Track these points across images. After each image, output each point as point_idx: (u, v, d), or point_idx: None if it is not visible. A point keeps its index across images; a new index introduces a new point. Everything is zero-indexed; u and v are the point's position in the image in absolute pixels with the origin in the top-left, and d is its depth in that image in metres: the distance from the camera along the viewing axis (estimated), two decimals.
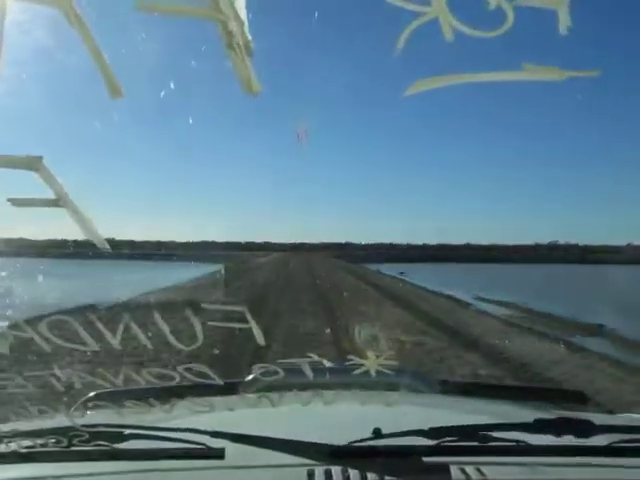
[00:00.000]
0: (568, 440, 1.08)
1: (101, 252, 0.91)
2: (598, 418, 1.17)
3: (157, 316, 1.02)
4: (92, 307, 9.82)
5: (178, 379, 1.08)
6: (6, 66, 0.73)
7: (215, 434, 1.07)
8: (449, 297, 18.96)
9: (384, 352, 1.09)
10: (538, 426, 1.10)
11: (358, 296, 16.39)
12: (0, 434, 1.09)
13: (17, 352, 1.14)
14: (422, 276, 29.79)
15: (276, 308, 12.81)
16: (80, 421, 1.09)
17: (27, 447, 1.06)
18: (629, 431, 1.13)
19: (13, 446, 1.06)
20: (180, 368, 1.08)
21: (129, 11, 0.67)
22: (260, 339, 1.02)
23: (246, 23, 0.68)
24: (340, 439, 1.06)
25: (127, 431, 1.08)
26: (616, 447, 1.08)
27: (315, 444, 1.06)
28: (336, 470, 1.01)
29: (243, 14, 0.69)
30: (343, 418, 1.34)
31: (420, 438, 1.06)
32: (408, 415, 1.33)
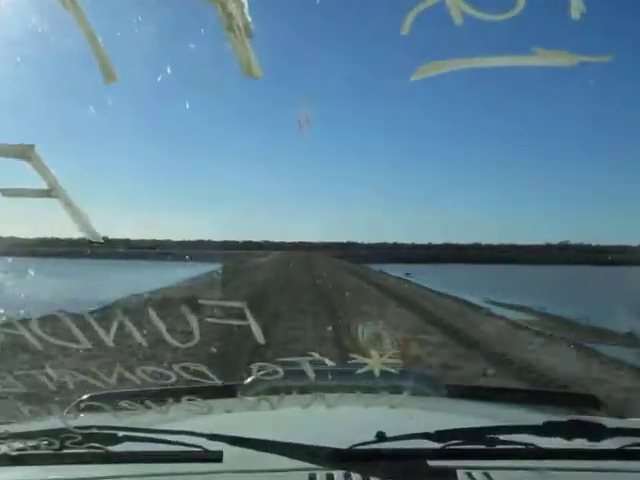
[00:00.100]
0: (579, 443, 1.05)
1: (95, 251, 0.88)
2: (609, 421, 1.14)
3: (153, 316, 0.99)
4: (86, 306, 9.79)
5: (175, 380, 1.05)
6: None
7: (213, 437, 1.04)
8: (459, 300, 18.10)
9: (388, 352, 1.06)
10: (548, 429, 1.06)
11: (361, 297, 16.18)
12: None
13: (8, 351, 1.11)
14: (429, 278, 29.45)
15: (276, 308, 12.78)
16: (73, 423, 1.05)
17: (18, 449, 1.03)
18: None
19: (3, 448, 1.03)
20: (176, 367, 1.05)
21: None
22: (260, 338, 0.99)
23: (246, 4, 0.65)
24: (343, 442, 1.03)
25: (122, 433, 1.04)
26: (628, 451, 1.06)
27: (317, 447, 1.02)
28: (338, 474, 0.97)
29: None
30: (345, 420, 1.30)
31: (425, 441, 1.02)
32: (413, 418, 1.29)
